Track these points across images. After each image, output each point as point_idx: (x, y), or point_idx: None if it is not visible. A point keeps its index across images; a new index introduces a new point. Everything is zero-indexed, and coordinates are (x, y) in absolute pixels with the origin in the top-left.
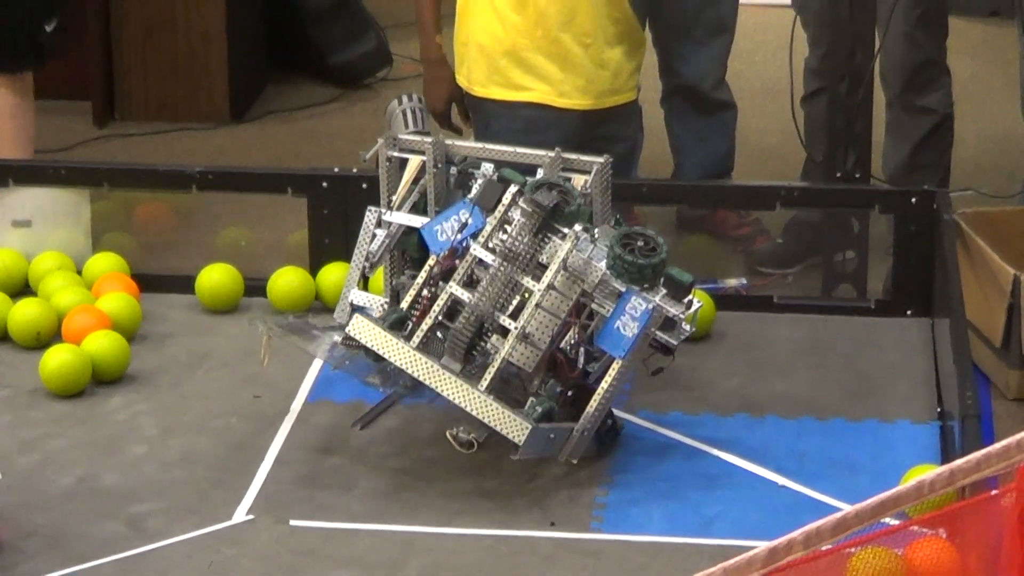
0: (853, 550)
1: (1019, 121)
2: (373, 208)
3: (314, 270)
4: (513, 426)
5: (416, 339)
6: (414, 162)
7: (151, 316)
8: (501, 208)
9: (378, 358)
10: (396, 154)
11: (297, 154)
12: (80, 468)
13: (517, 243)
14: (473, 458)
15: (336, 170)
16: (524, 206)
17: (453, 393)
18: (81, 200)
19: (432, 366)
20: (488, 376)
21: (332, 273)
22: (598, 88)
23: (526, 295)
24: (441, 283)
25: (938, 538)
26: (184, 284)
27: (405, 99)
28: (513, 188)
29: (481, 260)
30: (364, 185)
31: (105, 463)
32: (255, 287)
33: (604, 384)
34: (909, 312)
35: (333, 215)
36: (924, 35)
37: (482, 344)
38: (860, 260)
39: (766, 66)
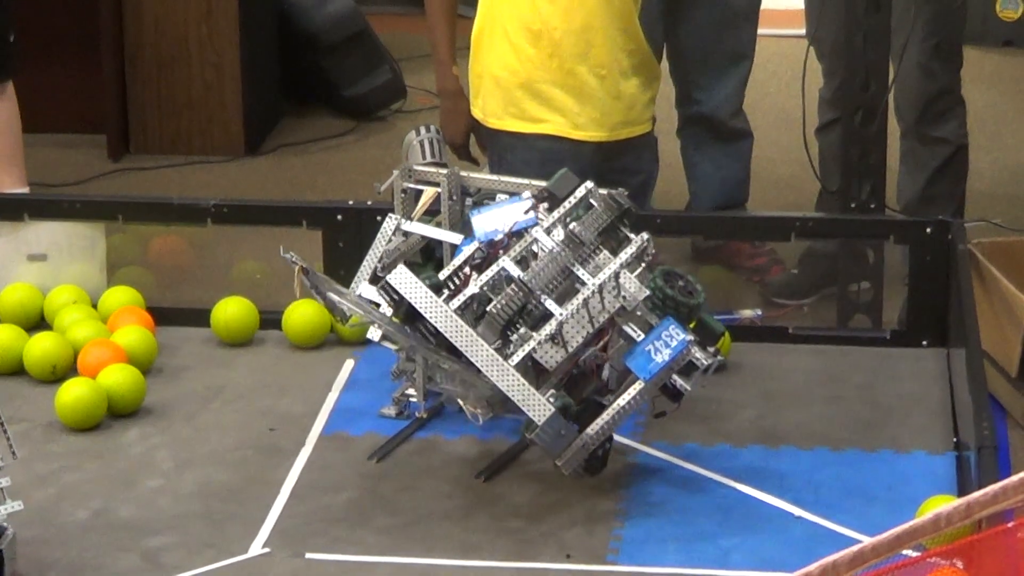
0: None
1: None
2: (393, 215)
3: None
4: (536, 405)
5: (455, 303)
6: (428, 192)
7: (166, 349)
8: (572, 200)
9: (407, 320)
10: (411, 185)
11: (312, 187)
12: (96, 501)
13: (585, 233)
14: (489, 491)
15: (351, 203)
16: (598, 202)
17: (482, 361)
18: (96, 234)
19: (467, 331)
20: (519, 354)
21: None
22: (613, 120)
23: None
24: (474, 273)
25: (955, 569)
26: (199, 317)
27: (423, 130)
28: (589, 184)
29: (534, 247)
30: (379, 217)
31: (121, 496)
32: (270, 320)
33: (618, 402)
34: (924, 342)
35: (348, 248)
36: (938, 65)
37: (514, 328)
38: (875, 290)
39: (780, 96)
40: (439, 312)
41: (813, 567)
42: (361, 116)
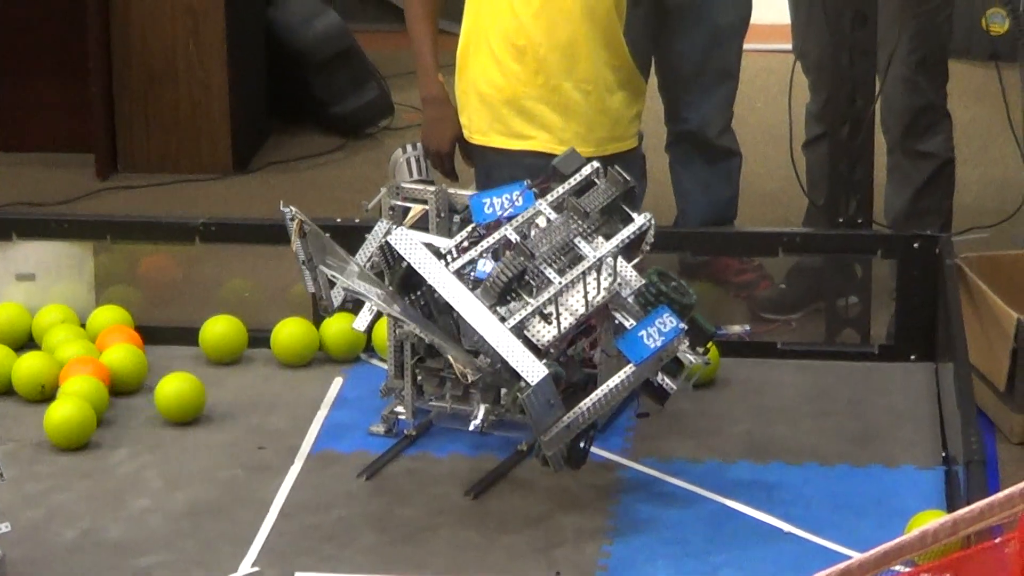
0: None
1: (1020, 164)
2: (385, 221)
3: (317, 321)
4: (530, 365)
5: (454, 266)
6: (415, 210)
7: (155, 368)
8: (577, 177)
9: (401, 287)
10: (399, 203)
11: (300, 204)
12: (85, 521)
13: (591, 206)
14: (478, 507)
15: (339, 220)
16: (602, 180)
17: (478, 322)
18: (84, 253)
19: (463, 291)
20: (516, 318)
21: (335, 324)
22: (598, 135)
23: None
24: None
25: None
26: (188, 336)
27: (410, 148)
28: (595, 163)
29: (537, 220)
30: (367, 235)
31: (110, 516)
32: (259, 338)
33: (606, 384)
34: (913, 357)
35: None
36: (924, 80)
37: (511, 297)
38: (863, 305)
39: (767, 112)
40: (437, 272)
41: None
42: (349, 133)
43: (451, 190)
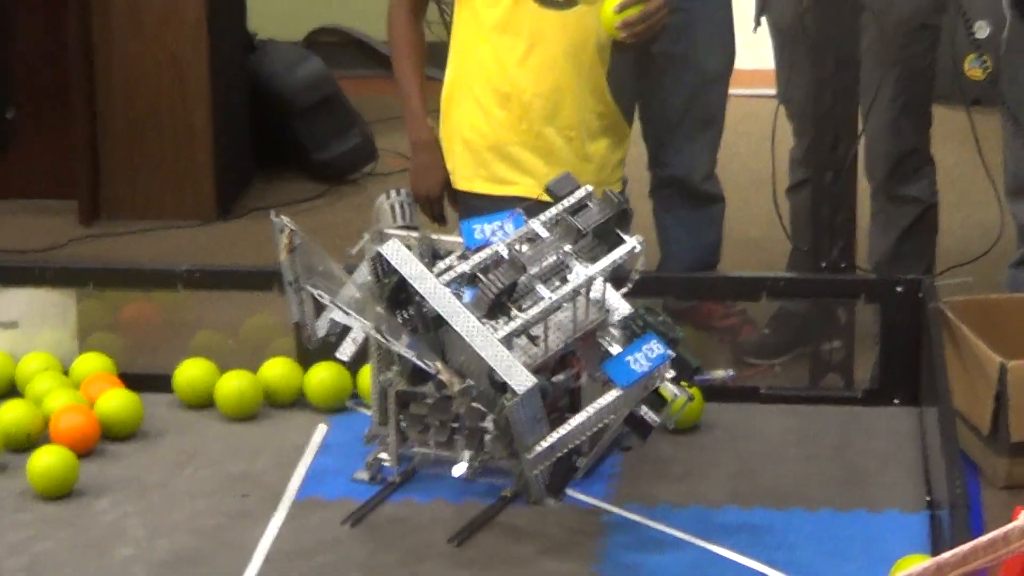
0: None
1: (1003, 208)
2: (369, 264)
3: (302, 367)
4: (519, 375)
5: (446, 278)
6: None
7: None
8: (570, 200)
9: (391, 301)
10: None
11: None
12: (68, 570)
13: (584, 225)
14: (461, 555)
15: None
16: (595, 204)
17: (468, 331)
18: (67, 301)
19: (454, 302)
20: (506, 329)
21: (320, 372)
22: (582, 181)
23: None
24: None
25: None
26: (170, 383)
27: (393, 193)
28: (589, 187)
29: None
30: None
31: (93, 565)
32: None
33: (591, 407)
34: (896, 401)
35: (320, 311)
36: (908, 124)
37: (502, 311)
38: (847, 350)
39: (751, 157)
40: (428, 284)
41: None
42: (332, 179)
43: (434, 236)
